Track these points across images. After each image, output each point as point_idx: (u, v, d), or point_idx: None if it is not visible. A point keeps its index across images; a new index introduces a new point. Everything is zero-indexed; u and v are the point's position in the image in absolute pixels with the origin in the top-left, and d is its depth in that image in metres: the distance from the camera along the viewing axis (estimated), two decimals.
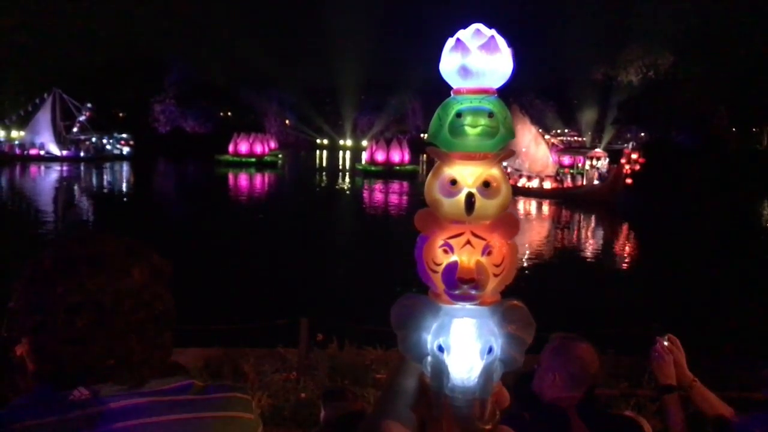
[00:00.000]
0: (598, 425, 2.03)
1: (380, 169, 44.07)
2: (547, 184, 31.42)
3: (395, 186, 37.51)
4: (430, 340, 0.89)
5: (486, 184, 0.86)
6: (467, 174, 0.86)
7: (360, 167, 46.87)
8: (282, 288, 12.04)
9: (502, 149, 0.88)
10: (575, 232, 23.48)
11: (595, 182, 30.46)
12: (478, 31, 0.87)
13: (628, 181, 27.11)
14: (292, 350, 6.73)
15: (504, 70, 0.88)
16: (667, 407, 2.21)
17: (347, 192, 37.24)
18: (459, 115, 0.86)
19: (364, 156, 49.06)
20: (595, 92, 77.64)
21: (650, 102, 72.23)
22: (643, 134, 71.70)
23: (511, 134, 0.87)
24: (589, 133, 77.91)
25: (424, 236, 0.90)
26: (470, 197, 0.86)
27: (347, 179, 44.27)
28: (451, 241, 0.86)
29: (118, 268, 1.01)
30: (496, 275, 0.87)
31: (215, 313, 9.25)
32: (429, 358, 0.90)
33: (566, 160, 35.89)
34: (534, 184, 31.56)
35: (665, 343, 2.24)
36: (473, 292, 0.84)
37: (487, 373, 0.88)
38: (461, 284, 0.83)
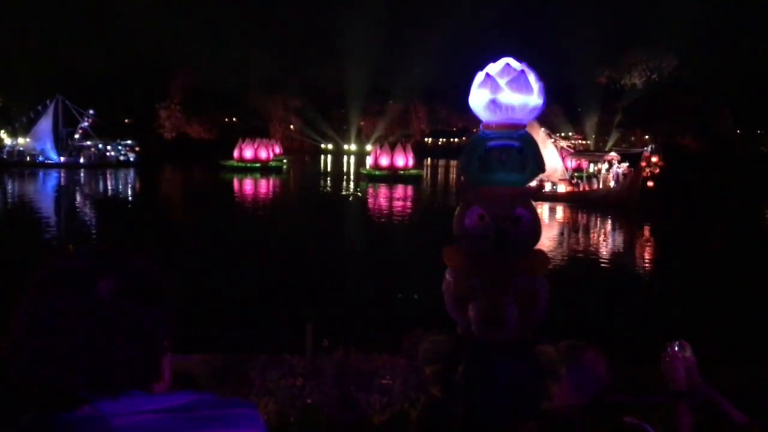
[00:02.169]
0: None
1: (384, 173, 44.07)
2: (561, 188, 31.08)
3: (399, 190, 37.53)
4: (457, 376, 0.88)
5: (515, 220, 0.85)
6: (496, 209, 0.85)
7: (364, 172, 46.91)
8: (287, 293, 12.01)
9: (532, 184, 0.87)
10: (593, 236, 23.26)
11: (611, 185, 30.14)
12: (507, 65, 0.86)
13: (650, 183, 26.84)
14: (297, 356, 6.71)
15: (534, 104, 0.87)
16: (676, 415, 2.18)
17: (351, 197, 37.23)
18: (488, 150, 0.85)
19: (369, 161, 49.03)
20: (599, 96, 77.43)
21: (654, 105, 72.03)
22: (647, 137, 71.44)
23: (541, 168, 0.86)
24: (593, 136, 77.69)
25: (452, 271, 0.89)
26: (499, 233, 0.84)
27: (351, 184, 44.26)
28: (479, 279, 0.85)
29: (81, 285, 0.99)
30: (525, 314, 0.85)
31: (220, 319, 9.26)
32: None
33: (570, 163, 35.60)
34: (546, 188, 31.17)
35: (676, 349, 2.22)
36: (501, 332, 0.83)
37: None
38: (489, 324, 0.82)
